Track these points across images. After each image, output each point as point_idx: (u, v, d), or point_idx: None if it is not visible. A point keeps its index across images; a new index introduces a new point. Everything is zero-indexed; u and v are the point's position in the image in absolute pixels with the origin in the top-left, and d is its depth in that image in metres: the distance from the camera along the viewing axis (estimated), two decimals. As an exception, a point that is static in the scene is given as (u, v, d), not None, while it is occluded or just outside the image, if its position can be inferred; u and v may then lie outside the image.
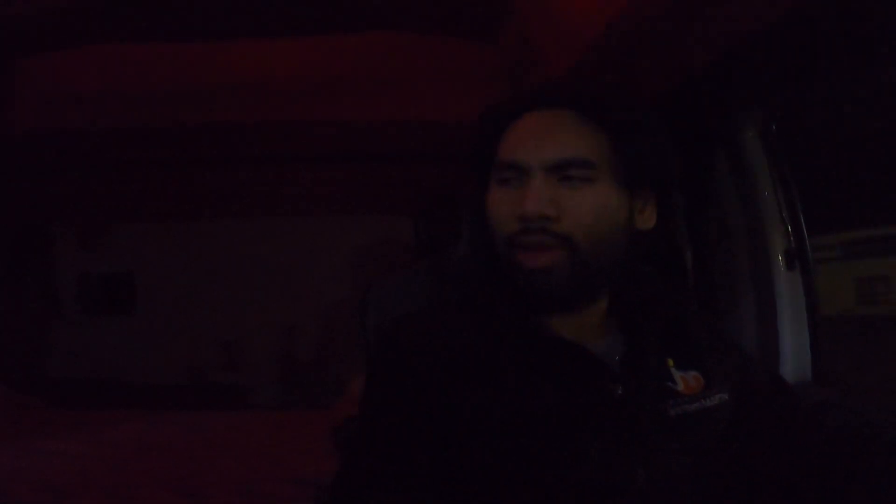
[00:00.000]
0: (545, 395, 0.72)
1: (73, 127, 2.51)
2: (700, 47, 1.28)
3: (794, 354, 1.47)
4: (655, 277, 0.89)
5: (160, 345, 3.32)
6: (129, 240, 3.47)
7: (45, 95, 2.45)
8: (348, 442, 1.43)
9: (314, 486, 1.81)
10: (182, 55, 2.32)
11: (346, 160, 2.72)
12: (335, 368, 3.11)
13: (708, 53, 1.28)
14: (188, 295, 3.38)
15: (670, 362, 0.78)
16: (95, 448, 2.18)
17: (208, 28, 2.21)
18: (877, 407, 1.29)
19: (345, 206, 3.00)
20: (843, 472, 0.76)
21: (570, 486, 0.70)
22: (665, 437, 0.73)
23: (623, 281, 0.83)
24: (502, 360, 0.74)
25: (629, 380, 0.74)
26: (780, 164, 1.40)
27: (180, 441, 2.29)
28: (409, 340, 0.78)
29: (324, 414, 1.53)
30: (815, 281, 1.47)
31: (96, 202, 3.18)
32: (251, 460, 2.06)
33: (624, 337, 0.80)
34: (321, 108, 2.33)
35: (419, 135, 2.33)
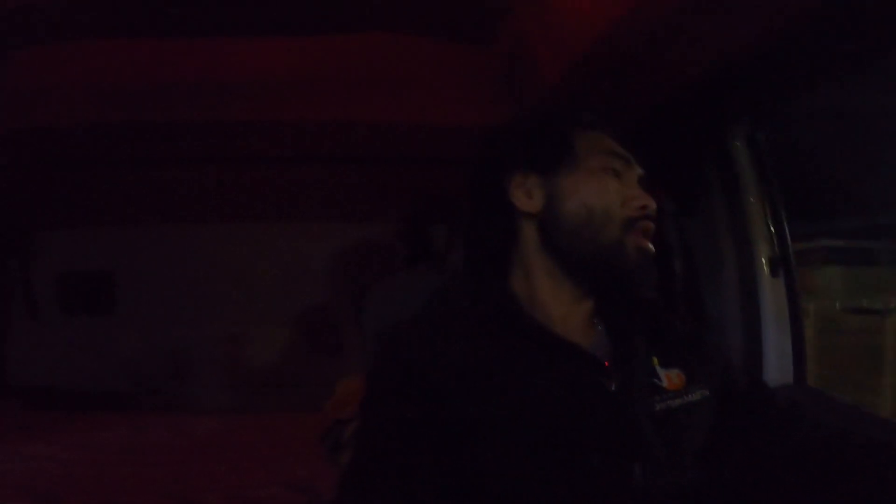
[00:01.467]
0: (543, 392, 0.75)
1: (54, 124, 2.46)
2: (692, 59, 1.31)
3: (776, 357, 1.52)
4: (638, 279, 0.93)
5: (138, 347, 3.24)
6: (108, 241, 3.38)
7: (26, 92, 2.39)
8: (350, 447, 1.43)
9: (307, 491, 1.81)
10: (171, 51, 2.28)
11: (333, 162, 2.69)
12: (322, 374, 3.09)
13: (700, 65, 1.31)
14: (166, 298, 3.31)
15: (655, 360, 0.82)
16: (80, 452, 2.13)
17: (199, 24, 2.18)
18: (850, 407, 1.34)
19: (332, 209, 2.97)
20: (817, 468, 0.80)
21: (571, 482, 0.73)
22: (654, 431, 0.76)
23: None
24: (501, 360, 0.77)
25: (621, 376, 0.78)
26: (767, 173, 1.45)
27: (167, 445, 2.26)
28: (409, 346, 0.80)
29: (311, 417, 1.52)
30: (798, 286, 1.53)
31: (77, 201, 3.10)
32: (240, 464, 2.05)
33: (608, 336, 0.83)
34: (310, 108, 2.31)
35: (410, 137, 2.33)
